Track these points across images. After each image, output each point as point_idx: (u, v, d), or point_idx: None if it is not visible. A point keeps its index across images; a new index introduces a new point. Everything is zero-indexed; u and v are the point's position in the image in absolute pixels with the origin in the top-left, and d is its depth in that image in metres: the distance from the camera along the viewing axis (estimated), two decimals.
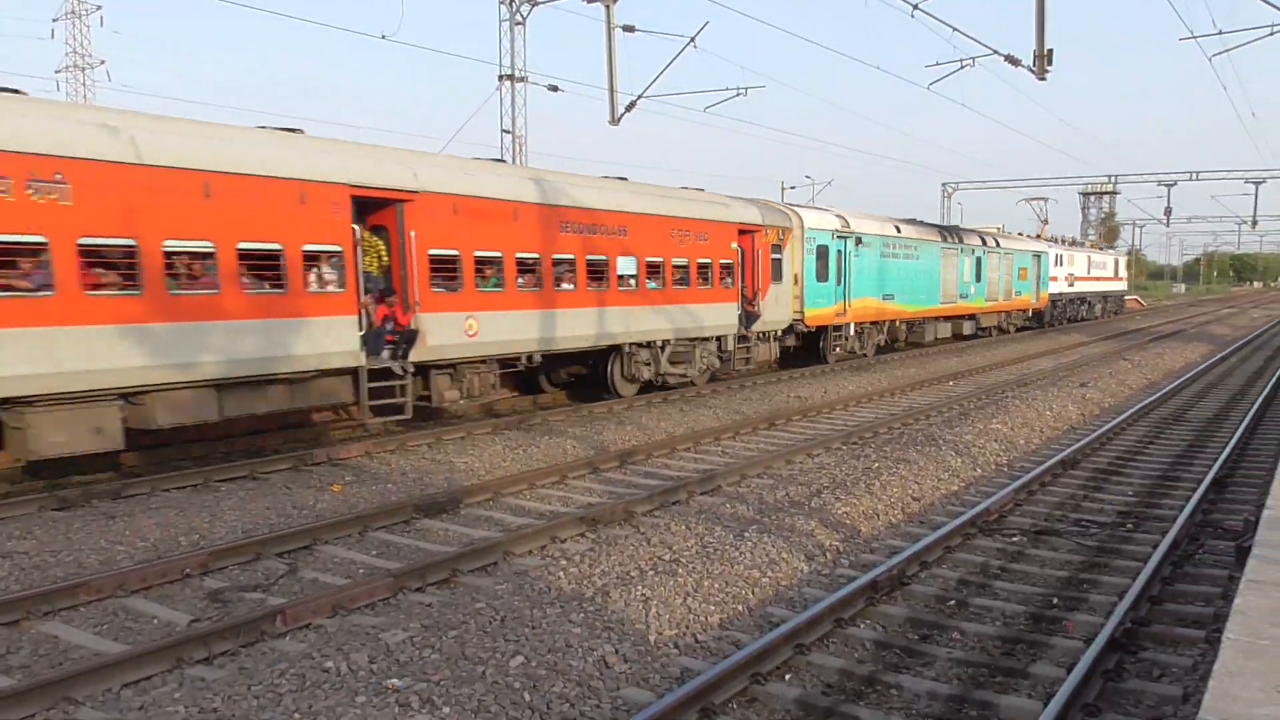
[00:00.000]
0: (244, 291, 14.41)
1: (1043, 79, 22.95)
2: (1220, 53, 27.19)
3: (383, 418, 17.20)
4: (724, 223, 25.36)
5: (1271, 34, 25.47)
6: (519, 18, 34.98)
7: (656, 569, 9.72)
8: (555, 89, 35.57)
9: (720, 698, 7.20)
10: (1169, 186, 73.16)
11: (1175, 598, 9.53)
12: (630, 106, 30.22)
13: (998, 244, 45.01)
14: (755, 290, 26.72)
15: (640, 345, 22.87)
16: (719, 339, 25.38)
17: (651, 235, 22.74)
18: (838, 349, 31.95)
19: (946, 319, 40.31)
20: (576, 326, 20.71)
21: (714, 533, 11.07)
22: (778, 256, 26.82)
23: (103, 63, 60.29)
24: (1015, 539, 11.65)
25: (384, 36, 28.27)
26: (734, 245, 25.60)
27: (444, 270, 17.51)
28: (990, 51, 25.64)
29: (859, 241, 31.98)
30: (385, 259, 17.13)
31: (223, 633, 8.38)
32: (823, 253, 29.79)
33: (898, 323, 36.01)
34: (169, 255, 13.49)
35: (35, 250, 12.16)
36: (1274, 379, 26.43)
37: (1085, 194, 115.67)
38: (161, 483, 13.81)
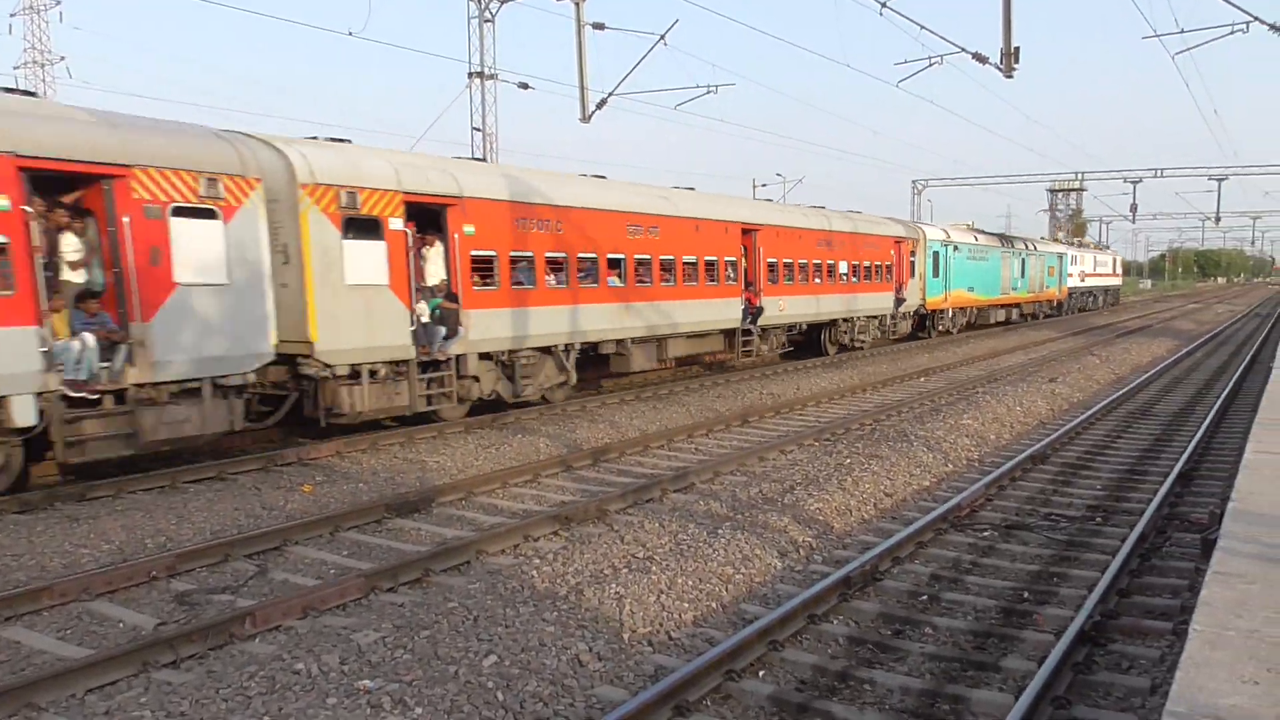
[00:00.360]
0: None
1: (1010, 77, 23.06)
2: (1182, 51, 27.49)
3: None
4: (884, 236, 36.97)
5: (1231, 33, 25.67)
6: (488, 15, 34.93)
7: (630, 567, 9.71)
8: (526, 86, 35.48)
9: (694, 695, 7.20)
10: (1134, 183, 73.69)
11: (1143, 590, 9.60)
12: (601, 104, 30.18)
13: (1035, 247, 57.60)
14: (901, 283, 38.07)
15: (842, 320, 33.96)
16: (879, 317, 36.87)
17: (853, 248, 34.11)
18: (940, 325, 43.48)
19: (1002, 306, 52.28)
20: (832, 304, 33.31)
21: (688, 530, 11.07)
22: (912, 259, 32.44)
23: (62, 59, 59.70)
24: (986, 534, 11.71)
25: (351, 33, 28.13)
26: (891, 252, 37.33)
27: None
28: (958, 49, 25.73)
29: (955, 248, 43.14)
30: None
31: (190, 635, 8.30)
32: (935, 257, 41.26)
33: (973, 309, 47.72)
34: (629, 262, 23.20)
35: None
36: (1238, 373, 26.68)
37: (1053, 191, 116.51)
38: (127, 484, 13.68)
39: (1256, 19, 24.42)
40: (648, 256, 23.71)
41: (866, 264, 36.05)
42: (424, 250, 18.76)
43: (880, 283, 37.76)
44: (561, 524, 12.12)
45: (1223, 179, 72.80)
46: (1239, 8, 24.09)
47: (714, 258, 26.24)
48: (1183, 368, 30.96)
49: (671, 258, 24.59)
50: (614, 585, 9.15)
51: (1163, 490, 12.74)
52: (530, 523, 11.86)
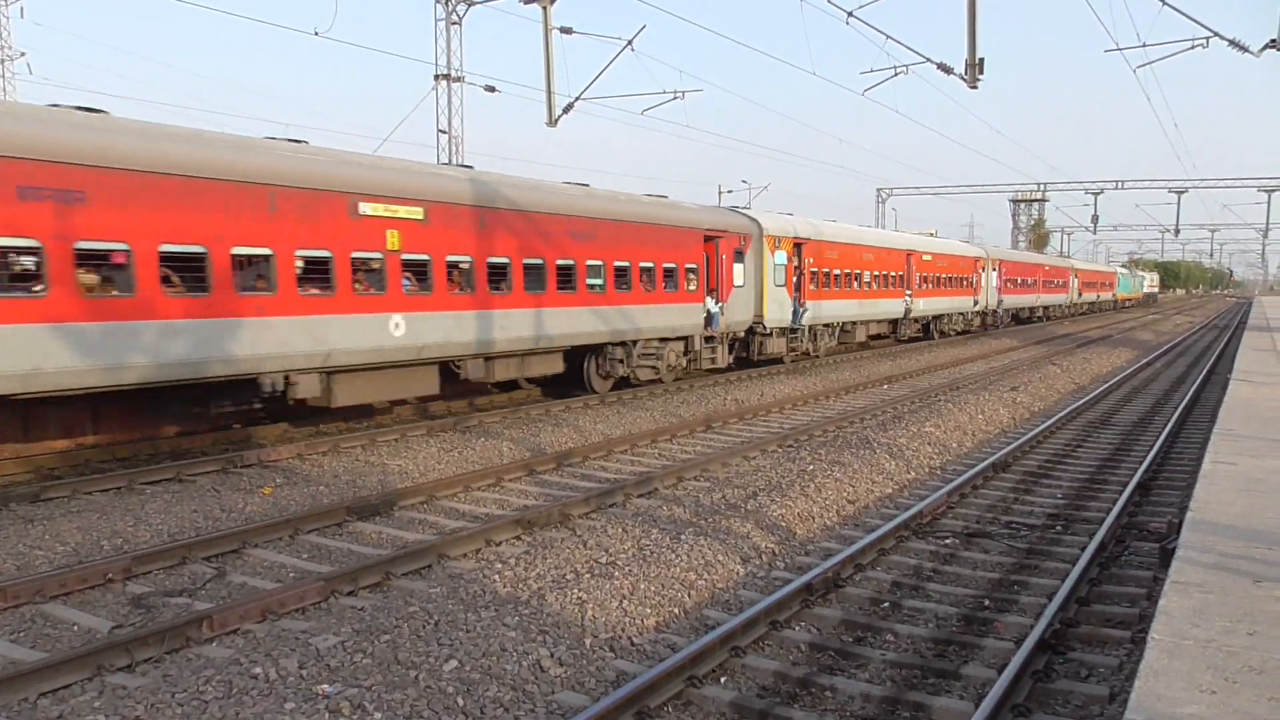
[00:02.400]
0: None
1: (974, 87, 23.14)
2: (1144, 65, 27.57)
3: None
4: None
5: (1192, 48, 25.88)
6: (455, 17, 34.80)
7: (593, 572, 9.69)
8: (492, 89, 35.34)
9: (656, 701, 7.18)
10: (1096, 195, 74.61)
11: (1102, 599, 9.66)
12: (568, 108, 30.10)
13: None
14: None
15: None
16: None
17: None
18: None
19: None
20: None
21: (651, 535, 11.06)
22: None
23: (23, 55, 59.02)
24: (948, 541, 11.75)
25: (317, 33, 27.89)
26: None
27: None
28: (923, 59, 25.80)
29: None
30: None
31: (146, 639, 8.20)
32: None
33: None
34: None
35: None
36: (1196, 384, 26.96)
37: (1015, 201, 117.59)
38: (83, 485, 13.54)
39: (1216, 34, 24.63)
40: None
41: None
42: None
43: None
44: (524, 528, 12.07)
45: (1182, 192, 73.84)
46: (1199, 23, 24.30)
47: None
48: (1142, 378, 31.25)
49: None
50: (576, 590, 9.12)
51: (1122, 499, 12.83)
52: (492, 527, 11.81)
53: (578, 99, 29.88)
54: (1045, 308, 71.06)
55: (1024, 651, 7.72)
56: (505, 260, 20.00)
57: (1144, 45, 26.68)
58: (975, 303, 52.76)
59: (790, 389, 26.53)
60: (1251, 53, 23.06)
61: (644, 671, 7.54)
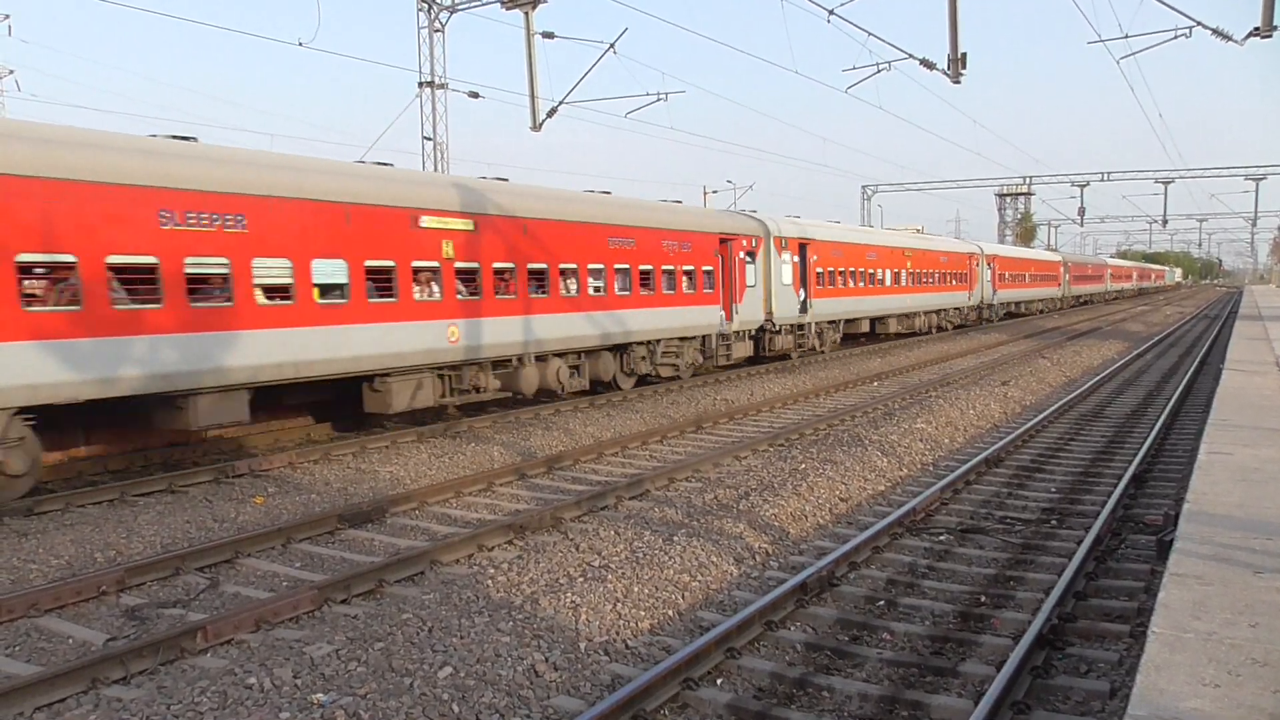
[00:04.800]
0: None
1: (957, 82, 23.24)
2: (1127, 56, 27.63)
3: None
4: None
5: (1175, 38, 25.94)
6: (438, 25, 34.70)
7: (586, 575, 9.64)
8: (476, 95, 35.29)
9: (651, 704, 7.14)
10: (1082, 187, 74.73)
11: (1100, 593, 9.64)
12: (551, 113, 30.15)
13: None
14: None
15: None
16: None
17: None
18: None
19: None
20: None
21: (643, 537, 11.02)
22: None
23: (11, 72, 58.90)
24: (942, 538, 11.73)
25: (301, 43, 27.82)
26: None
27: None
28: (906, 55, 25.89)
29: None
30: None
31: (141, 651, 8.16)
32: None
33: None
34: None
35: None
36: (1188, 375, 26.98)
37: (1001, 195, 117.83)
38: (76, 498, 13.48)
39: (1199, 24, 24.68)
40: None
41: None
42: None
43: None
44: (516, 533, 12.03)
45: (1169, 182, 74.11)
46: (1182, 13, 24.38)
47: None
48: (1134, 369, 31.27)
49: None
50: (570, 594, 9.08)
51: (1117, 492, 12.81)
52: (485, 532, 11.77)
53: (561, 103, 29.97)
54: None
55: (1022, 647, 7.68)
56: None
57: (1127, 36, 26.75)
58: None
59: (780, 388, 26.51)
60: (1235, 41, 23.12)
61: (639, 675, 7.50)
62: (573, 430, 19.41)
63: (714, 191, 70.31)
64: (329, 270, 16.70)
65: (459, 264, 19.35)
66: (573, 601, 8.94)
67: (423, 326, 18.48)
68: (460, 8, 34.38)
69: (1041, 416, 19.87)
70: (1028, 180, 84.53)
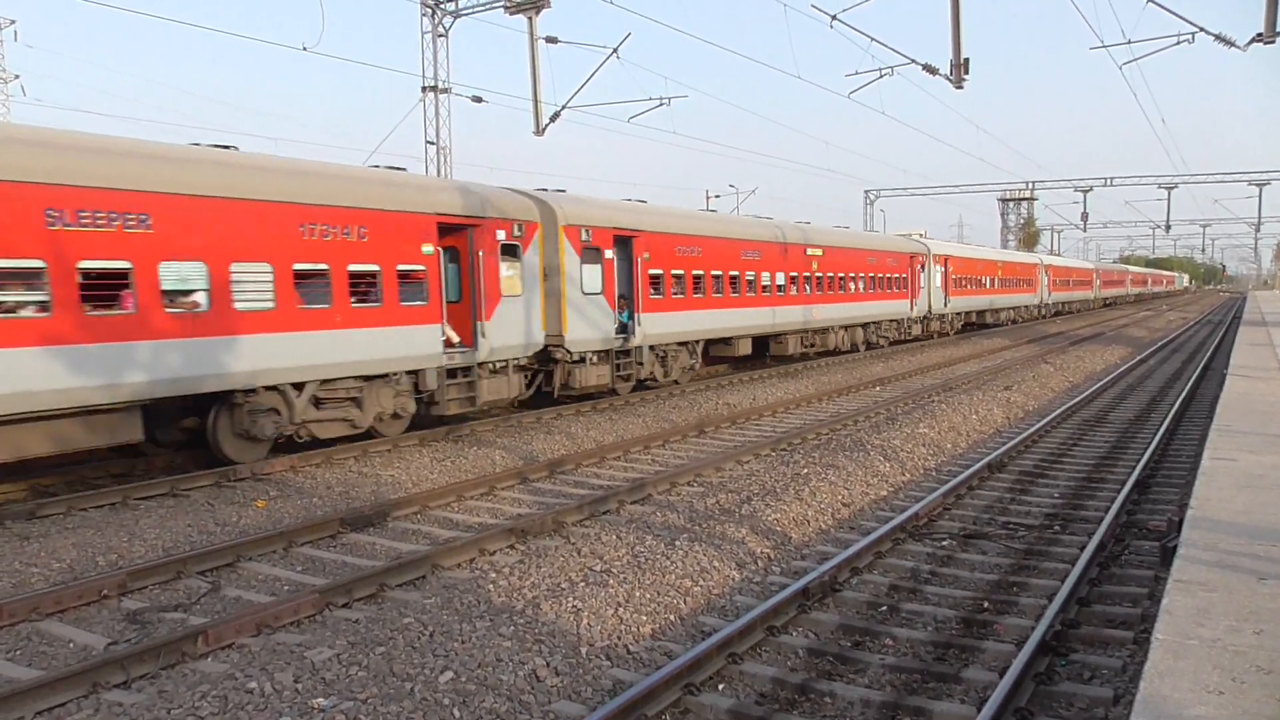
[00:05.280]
0: None
1: (960, 87, 23.22)
2: (1129, 61, 27.66)
3: None
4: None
5: (1178, 43, 25.93)
6: (441, 30, 34.73)
7: (587, 580, 9.62)
8: (479, 100, 35.32)
9: (653, 709, 7.12)
10: (1085, 192, 74.74)
11: (1103, 599, 9.61)
12: (554, 117, 30.22)
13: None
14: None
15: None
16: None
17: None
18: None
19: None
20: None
21: (645, 542, 10.99)
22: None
23: (17, 77, 58.84)
24: (945, 543, 11.70)
25: (305, 48, 27.84)
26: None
27: None
28: (908, 60, 25.88)
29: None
30: None
31: (141, 655, 8.14)
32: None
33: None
34: None
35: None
36: (1191, 380, 26.94)
37: (1004, 200, 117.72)
38: (78, 502, 13.46)
39: (1202, 29, 24.65)
40: None
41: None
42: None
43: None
44: (518, 537, 12.01)
45: (1172, 187, 74.01)
46: (1184, 19, 24.33)
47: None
48: (1136, 375, 31.23)
49: None
50: (571, 599, 9.06)
51: (1120, 498, 12.79)
52: (486, 536, 11.75)
53: (564, 108, 30.04)
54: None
55: (1025, 654, 7.66)
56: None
57: (1129, 42, 26.72)
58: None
59: (782, 393, 26.49)
60: (1238, 47, 23.10)
61: (641, 680, 7.47)
62: (574, 434, 19.39)
63: (717, 196, 70.41)
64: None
65: None
66: (574, 606, 8.92)
67: None
68: (464, 13, 34.44)
69: (1044, 422, 19.84)
70: (1030, 185, 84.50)
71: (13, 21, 56.50)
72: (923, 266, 45.94)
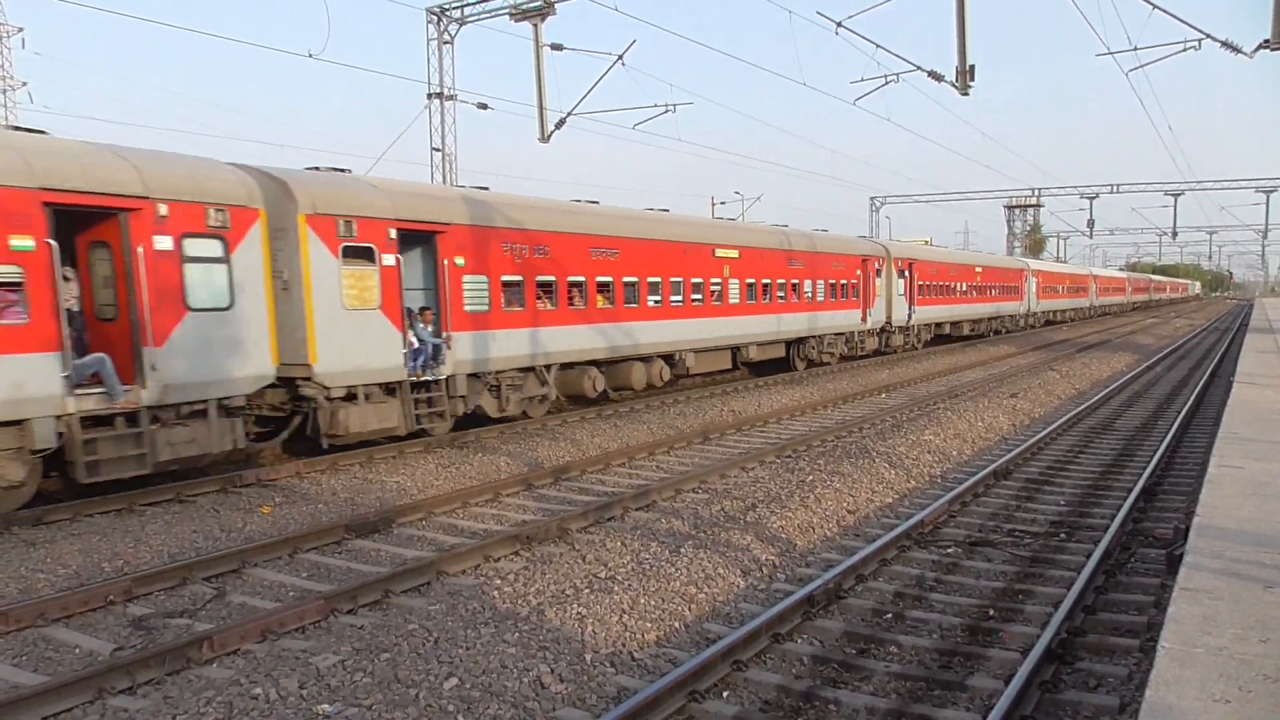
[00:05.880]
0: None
1: (965, 94, 23.22)
2: (1136, 68, 27.55)
3: None
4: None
5: (1184, 50, 25.92)
6: (447, 36, 34.77)
7: (592, 587, 9.62)
8: (485, 107, 35.33)
9: (657, 717, 7.11)
10: (1091, 199, 74.58)
11: (1109, 607, 9.59)
12: (560, 124, 30.24)
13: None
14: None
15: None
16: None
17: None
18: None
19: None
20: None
21: (650, 549, 10.99)
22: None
23: (24, 84, 59.13)
24: (950, 550, 11.68)
25: (310, 55, 27.86)
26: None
27: None
28: (913, 67, 25.87)
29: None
30: None
31: (147, 661, 8.15)
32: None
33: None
34: None
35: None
36: (1198, 388, 26.88)
37: (1009, 207, 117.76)
38: (84, 508, 13.46)
39: (1208, 36, 24.66)
40: None
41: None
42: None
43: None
44: (523, 543, 12.01)
45: (1179, 194, 73.91)
46: (1191, 25, 24.34)
47: None
48: (1143, 382, 31.17)
49: None
50: (576, 605, 9.06)
51: (1126, 505, 12.76)
52: (491, 542, 11.75)
53: (569, 114, 30.04)
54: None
55: (1031, 661, 7.65)
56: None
57: (1135, 49, 26.71)
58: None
59: (788, 399, 26.45)
60: (1245, 54, 23.07)
61: (645, 687, 7.46)
62: (579, 441, 19.39)
63: (721, 203, 70.50)
64: None
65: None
66: (579, 613, 8.91)
67: None
68: (469, 19, 34.45)
69: (1050, 429, 19.82)
70: (1036, 192, 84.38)
71: (20, 29, 56.69)
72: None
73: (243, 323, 15.45)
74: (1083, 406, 23.51)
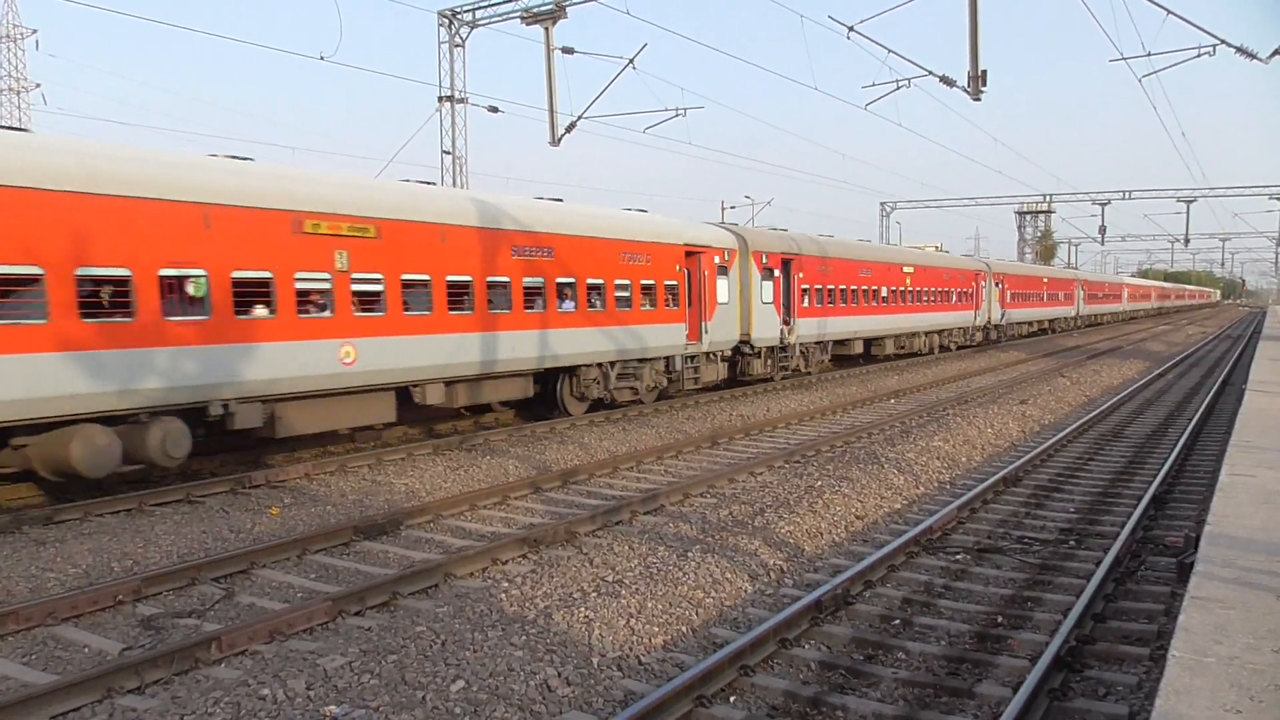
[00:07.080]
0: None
1: (977, 99, 23.19)
2: (1149, 74, 27.40)
3: None
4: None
5: (1199, 56, 25.84)
6: (458, 39, 34.81)
7: (599, 590, 9.61)
8: (495, 110, 35.37)
9: None
10: (1103, 205, 74.33)
11: (1119, 615, 9.55)
12: (570, 127, 30.27)
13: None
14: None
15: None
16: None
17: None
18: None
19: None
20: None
21: (657, 553, 10.98)
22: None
23: (38, 86, 59.44)
24: (959, 557, 11.65)
25: (322, 57, 28.02)
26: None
27: None
28: (925, 72, 25.86)
29: None
30: None
31: (155, 661, 8.17)
32: None
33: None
34: None
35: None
36: (1210, 395, 26.80)
37: (1021, 213, 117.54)
38: (94, 508, 13.51)
39: (1223, 42, 24.59)
40: None
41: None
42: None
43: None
44: (530, 546, 12.01)
45: (1191, 201, 73.62)
46: (1206, 31, 24.28)
47: None
48: (1154, 389, 31.08)
49: None
50: (583, 609, 9.05)
51: (1137, 513, 12.71)
52: (499, 545, 11.75)
53: (580, 118, 30.04)
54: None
55: (1039, 669, 7.62)
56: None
57: (1149, 55, 26.65)
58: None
59: (795, 404, 26.46)
60: (1260, 59, 23.03)
61: (652, 691, 7.46)
62: (588, 444, 19.40)
63: (731, 207, 70.57)
64: None
65: None
66: (586, 616, 8.91)
67: None
68: (481, 23, 34.49)
69: (1060, 436, 19.77)
70: (1048, 198, 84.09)
71: (34, 31, 57.01)
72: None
73: (731, 311, 28.18)
74: (1093, 413, 23.46)
